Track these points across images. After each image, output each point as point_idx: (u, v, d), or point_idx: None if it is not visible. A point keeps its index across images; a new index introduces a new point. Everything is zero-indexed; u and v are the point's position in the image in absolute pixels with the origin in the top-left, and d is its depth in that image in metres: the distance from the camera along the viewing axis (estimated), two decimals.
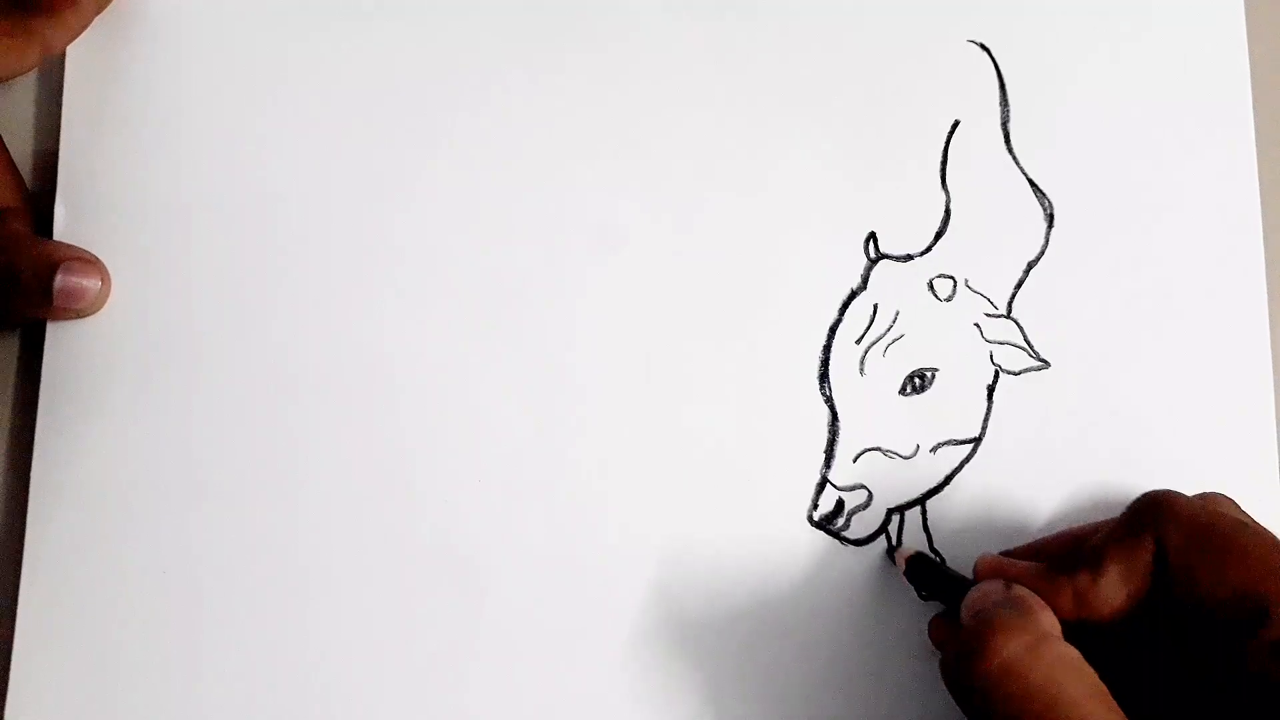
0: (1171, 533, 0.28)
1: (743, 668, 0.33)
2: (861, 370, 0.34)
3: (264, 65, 0.34)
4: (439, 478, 0.33)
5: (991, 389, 0.34)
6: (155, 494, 0.33)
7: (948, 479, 0.33)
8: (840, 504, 0.33)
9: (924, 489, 0.33)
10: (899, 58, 0.35)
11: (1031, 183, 0.34)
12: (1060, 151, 0.35)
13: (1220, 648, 0.27)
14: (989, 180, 0.34)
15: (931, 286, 0.34)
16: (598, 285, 0.34)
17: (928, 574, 0.31)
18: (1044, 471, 0.33)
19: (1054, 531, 0.32)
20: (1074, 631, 0.27)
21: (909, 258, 0.34)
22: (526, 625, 0.33)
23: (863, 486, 0.33)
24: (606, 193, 0.34)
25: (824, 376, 0.34)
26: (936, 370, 0.34)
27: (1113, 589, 0.28)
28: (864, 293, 0.34)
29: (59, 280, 0.32)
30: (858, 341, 0.34)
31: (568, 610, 0.33)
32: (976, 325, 0.34)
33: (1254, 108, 0.35)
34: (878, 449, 0.33)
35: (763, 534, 0.33)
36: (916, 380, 0.34)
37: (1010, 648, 0.26)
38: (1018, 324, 0.34)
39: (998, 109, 0.35)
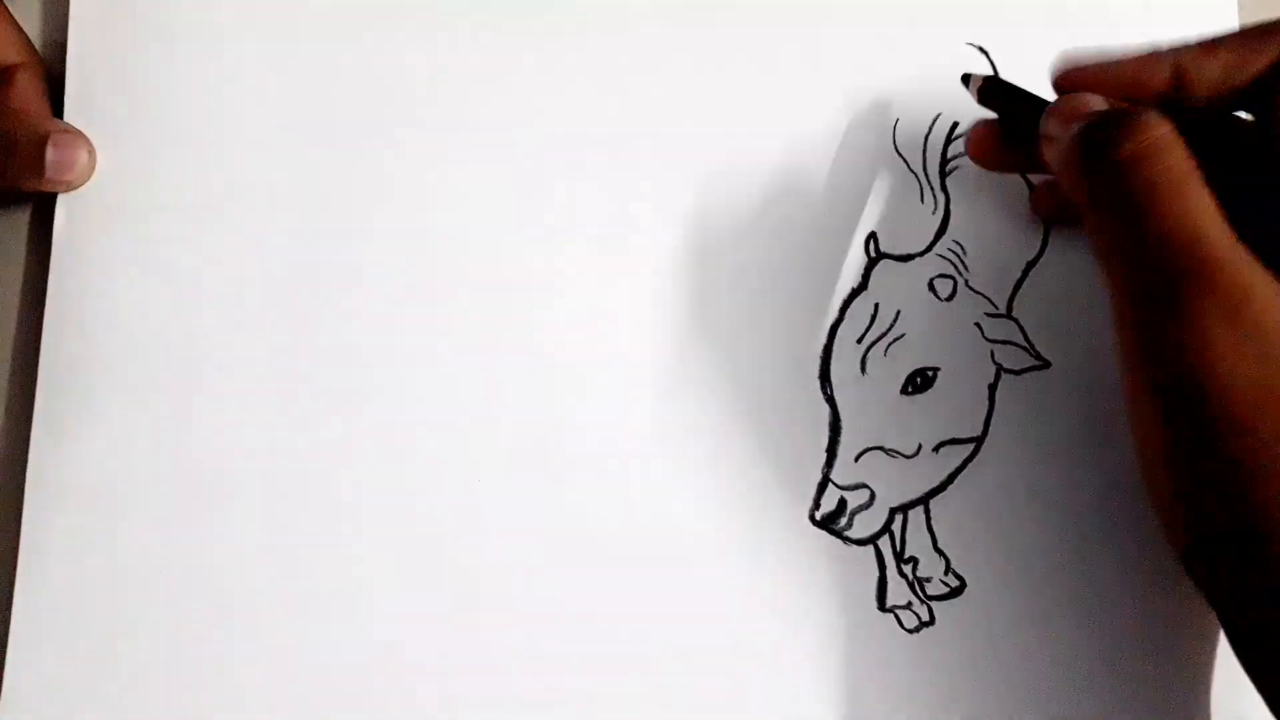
0: None
1: (744, 668, 0.32)
2: (863, 369, 0.34)
3: (262, 64, 0.35)
4: (438, 479, 0.33)
5: (993, 388, 0.34)
6: (152, 494, 0.32)
7: (950, 478, 0.33)
8: (842, 503, 0.33)
9: (927, 488, 0.33)
10: (898, 60, 0.35)
11: (1030, 184, 0.35)
12: None
13: None
14: (988, 181, 0.35)
15: (932, 286, 0.34)
16: (597, 285, 0.34)
17: (1004, 96, 0.31)
18: (1046, 470, 0.33)
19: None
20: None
21: (909, 257, 0.34)
22: (526, 625, 0.32)
23: (865, 486, 0.33)
24: (605, 194, 0.34)
25: (825, 375, 0.34)
26: (938, 369, 0.34)
27: (1217, 68, 0.28)
28: (865, 292, 0.34)
29: (51, 153, 0.33)
30: (859, 341, 0.34)
31: (567, 611, 0.32)
32: (977, 325, 0.34)
33: None
34: (880, 448, 0.33)
35: (763, 534, 0.33)
36: (918, 379, 0.34)
37: (1161, 130, 0.26)
38: (1018, 323, 0.34)
39: None
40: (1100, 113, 0.28)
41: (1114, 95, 0.29)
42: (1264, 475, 0.25)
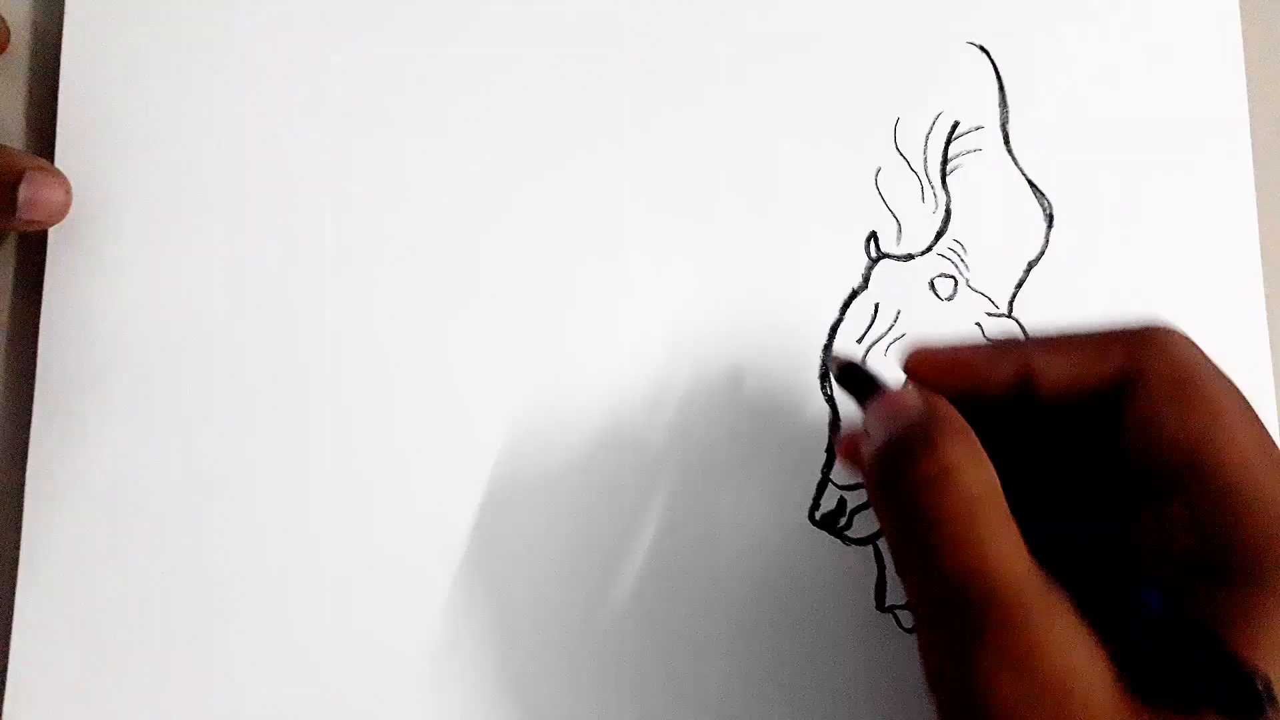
0: (1155, 364, 0.26)
1: (743, 668, 0.32)
2: None
3: (261, 64, 0.34)
4: (439, 479, 0.33)
5: None
6: (152, 494, 0.32)
7: None
8: (842, 503, 0.33)
9: None
10: (899, 59, 0.35)
11: (1031, 183, 0.35)
12: (1059, 152, 0.35)
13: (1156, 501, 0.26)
14: (989, 180, 0.35)
15: (933, 286, 0.34)
16: (596, 285, 0.34)
17: (858, 382, 0.29)
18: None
19: None
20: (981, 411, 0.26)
21: (910, 257, 0.34)
22: (529, 622, 0.32)
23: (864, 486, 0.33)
24: (606, 193, 0.34)
25: (826, 376, 0.34)
26: None
27: (1064, 369, 0.26)
28: (865, 292, 0.34)
29: (23, 191, 0.31)
30: (859, 341, 0.34)
31: (566, 610, 0.32)
32: (978, 325, 0.34)
33: (1249, 108, 0.35)
34: None
35: (763, 534, 0.33)
36: None
37: (953, 456, 0.24)
38: (1019, 323, 0.34)
39: (997, 110, 0.35)
40: (894, 437, 0.26)
41: (960, 386, 0.27)
42: None
